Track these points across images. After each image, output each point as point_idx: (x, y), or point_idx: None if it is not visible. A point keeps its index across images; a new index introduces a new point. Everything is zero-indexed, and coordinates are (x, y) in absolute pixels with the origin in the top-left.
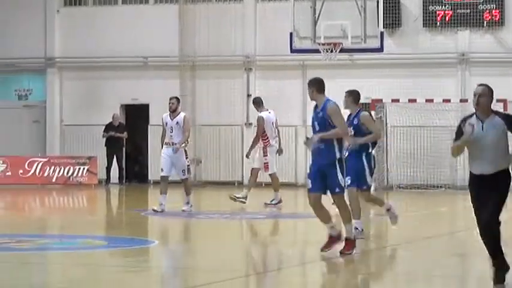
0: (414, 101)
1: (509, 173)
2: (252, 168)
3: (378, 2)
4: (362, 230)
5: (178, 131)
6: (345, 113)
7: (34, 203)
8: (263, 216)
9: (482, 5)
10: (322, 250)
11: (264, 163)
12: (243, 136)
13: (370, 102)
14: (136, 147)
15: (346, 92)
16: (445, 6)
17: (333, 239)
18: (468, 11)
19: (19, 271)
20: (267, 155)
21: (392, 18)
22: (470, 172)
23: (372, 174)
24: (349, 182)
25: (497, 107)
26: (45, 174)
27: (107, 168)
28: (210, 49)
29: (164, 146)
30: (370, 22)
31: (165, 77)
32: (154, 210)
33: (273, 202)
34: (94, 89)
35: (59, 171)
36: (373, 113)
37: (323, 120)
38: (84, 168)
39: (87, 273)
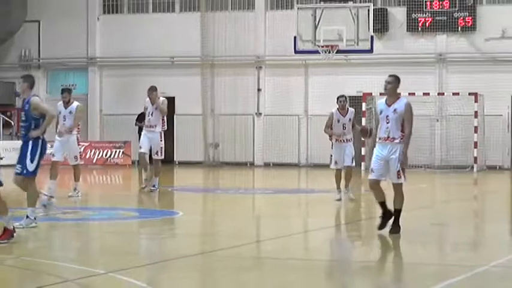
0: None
1: None
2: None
3: (368, 10)
4: (35, 218)
5: (70, 120)
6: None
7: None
8: (271, 192)
9: (457, 13)
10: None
11: (161, 147)
12: (254, 124)
13: (362, 95)
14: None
15: (21, 77)
16: (425, 13)
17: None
18: (445, 18)
19: (65, 238)
20: (162, 140)
21: (381, 24)
22: None
23: (33, 160)
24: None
25: (469, 100)
26: (87, 156)
27: None
28: (226, 50)
29: (58, 133)
30: (362, 27)
31: (189, 74)
32: (44, 194)
33: (155, 188)
34: (128, 84)
35: (99, 153)
36: (363, 104)
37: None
38: (120, 151)
39: (123, 240)
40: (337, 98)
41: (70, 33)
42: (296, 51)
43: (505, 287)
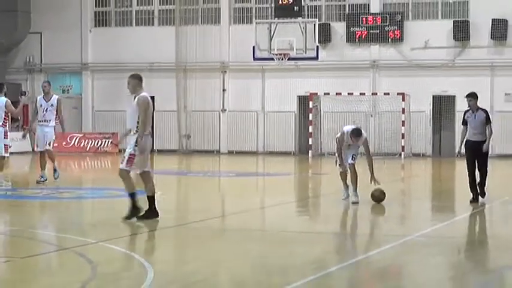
0: (340, 94)
1: None
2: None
3: (314, 25)
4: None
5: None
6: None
7: (73, 165)
8: (234, 175)
9: (388, 27)
10: None
11: (53, 140)
12: (220, 118)
13: (309, 95)
14: None
15: None
16: (362, 27)
17: None
18: (378, 31)
19: (62, 214)
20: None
21: (325, 36)
22: None
23: None
24: None
25: (398, 99)
26: (81, 145)
27: None
28: (197, 57)
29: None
30: (309, 39)
31: (165, 77)
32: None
33: (42, 180)
34: (115, 85)
35: (91, 143)
36: (310, 102)
37: None
38: (108, 141)
39: (111, 215)
40: (350, 133)
41: (67, 43)
42: (255, 58)
43: (428, 253)
